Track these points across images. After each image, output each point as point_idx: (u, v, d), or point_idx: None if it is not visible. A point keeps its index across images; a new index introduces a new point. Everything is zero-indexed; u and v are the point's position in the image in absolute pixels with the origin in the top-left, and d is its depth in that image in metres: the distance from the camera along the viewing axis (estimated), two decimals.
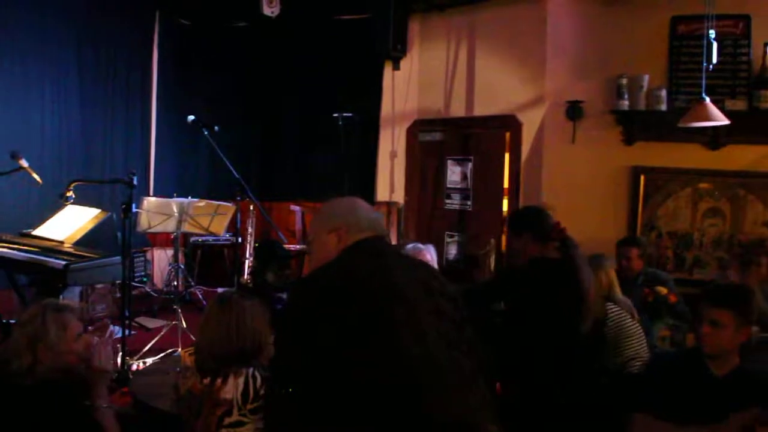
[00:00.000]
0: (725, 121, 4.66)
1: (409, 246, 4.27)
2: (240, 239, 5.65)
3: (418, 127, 6.59)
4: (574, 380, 3.35)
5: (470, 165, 6.33)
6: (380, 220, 2.26)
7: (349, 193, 5.74)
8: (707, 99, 4.63)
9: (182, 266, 6.73)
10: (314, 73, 7.24)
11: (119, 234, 4.99)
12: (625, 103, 5.62)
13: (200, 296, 6.70)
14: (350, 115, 6.43)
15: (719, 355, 2.76)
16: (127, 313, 4.49)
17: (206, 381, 2.41)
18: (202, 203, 6.11)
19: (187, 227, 6.11)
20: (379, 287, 1.92)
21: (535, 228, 3.51)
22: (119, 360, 4.14)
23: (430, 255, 4.18)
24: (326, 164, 7.06)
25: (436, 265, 4.21)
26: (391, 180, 6.67)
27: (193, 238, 7.14)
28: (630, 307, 4.01)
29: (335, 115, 6.42)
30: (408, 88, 6.58)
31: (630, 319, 3.82)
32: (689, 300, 4.82)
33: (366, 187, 6.64)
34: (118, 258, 4.47)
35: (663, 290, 4.88)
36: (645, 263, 5.26)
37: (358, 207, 2.22)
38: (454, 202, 6.45)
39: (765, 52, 5.43)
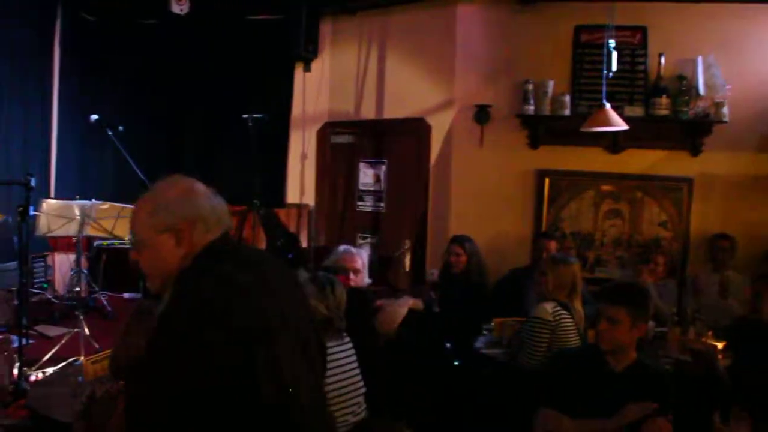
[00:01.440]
0: (624, 127, 4.83)
1: (341, 249, 4.18)
2: None
3: (329, 129, 6.57)
4: None
5: (383, 167, 6.36)
6: (225, 207, 1.76)
7: (259, 195, 5.63)
8: (608, 105, 4.80)
9: (85, 271, 6.44)
10: (224, 73, 7.11)
11: (15, 238, 4.75)
12: (531, 108, 5.75)
13: (105, 302, 6.44)
14: (261, 116, 6.32)
15: (617, 350, 2.87)
16: (24, 322, 4.26)
17: (122, 383, 2.41)
18: (106, 206, 5.88)
19: (89, 231, 5.86)
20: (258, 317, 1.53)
21: None
22: (16, 371, 3.93)
23: (362, 260, 4.14)
24: (235, 165, 6.93)
25: (366, 271, 4.19)
26: (301, 182, 6.62)
27: (97, 242, 6.86)
28: None
29: (245, 116, 6.31)
30: (319, 90, 6.56)
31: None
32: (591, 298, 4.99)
33: (276, 189, 6.56)
34: (14, 263, 4.25)
35: None
36: None
37: (197, 193, 1.71)
38: (366, 204, 6.46)
39: (660, 62, 5.68)
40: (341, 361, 2.94)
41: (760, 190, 5.83)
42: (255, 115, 6.25)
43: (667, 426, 2.67)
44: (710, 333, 4.20)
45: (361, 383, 3.00)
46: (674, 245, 5.85)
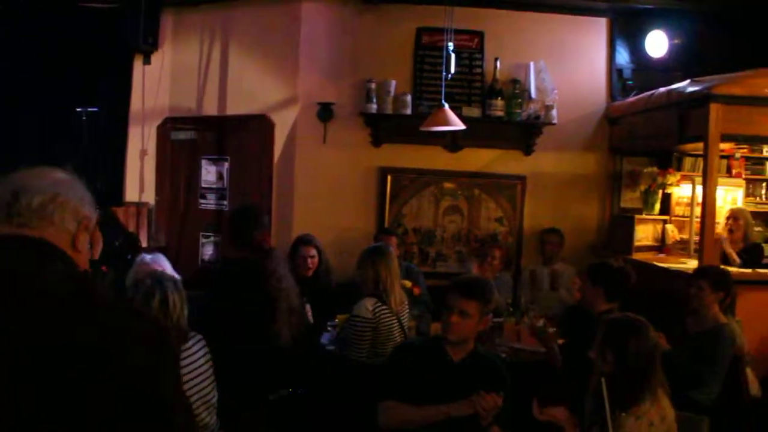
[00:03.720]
0: (462, 126, 4.98)
1: (148, 258, 3.72)
2: None
3: (169, 125, 6.32)
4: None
5: (226, 164, 6.21)
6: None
7: (96, 193, 5.29)
8: (446, 105, 4.93)
9: None
10: (56, 63, 6.65)
11: None
12: (374, 107, 5.82)
13: None
14: (96, 109, 6.02)
15: (461, 342, 2.94)
16: None
17: None
18: None
19: None
20: None
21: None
22: None
23: (159, 266, 3.91)
24: (68, 161, 6.49)
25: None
26: (141, 179, 6.32)
27: None
28: None
29: (79, 109, 5.98)
30: (159, 84, 6.29)
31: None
32: (434, 292, 5.13)
33: (114, 187, 6.23)
34: None
35: (407, 283, 5.12)
36: (402, 256, 5.58)
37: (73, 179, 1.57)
38: (209, 202, 6.27)
39: (495, 66, 5.94)
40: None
41: (585, 187, 6.25)
42: (89, 109, 5.95)
43: (497, 399, 2.75)
44: (543, 322, 4.42)
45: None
46: (509, 240, 6.13)
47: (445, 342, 2.96)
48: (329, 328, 4.53)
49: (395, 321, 3.91)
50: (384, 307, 3.83)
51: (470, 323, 2.91)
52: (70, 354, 1.19)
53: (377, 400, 2.95)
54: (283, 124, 5.98)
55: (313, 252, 4.93)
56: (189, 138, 6.29)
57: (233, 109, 6.13)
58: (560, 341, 4.03)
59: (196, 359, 2.85)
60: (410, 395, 2.86)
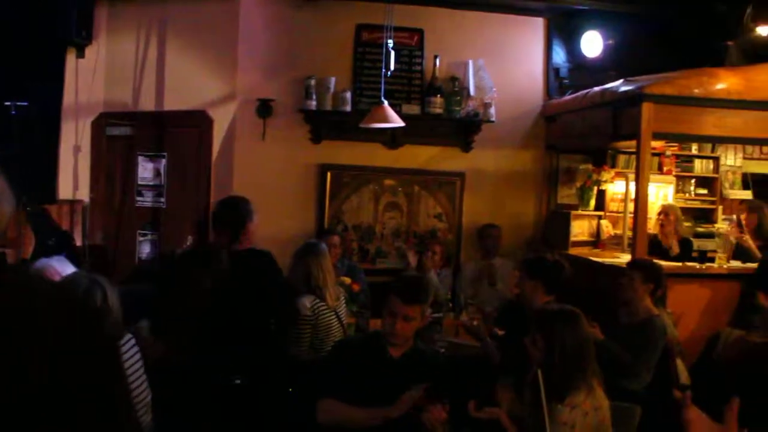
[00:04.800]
0: (401, 124, 5.02)
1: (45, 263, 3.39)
2: None
3: (104, 121, 6.18)
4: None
5: (163, 161, 6.11)
6: None
7: (27, 191, 5.17)
8: (386, 102, 4.94)
9: None
10: None
11: None
12: (313, 104, 5.80)
13: None
14: (26, 104, 5.83)
15: (403, 342, 2.97)
16: None
17: None
18: None
19: None
20: None
21: None
22: None
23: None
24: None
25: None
26: (75, 176, 6.16)
27: None
28: None
29: (8, 103, 5.78)
30: (93, 79, 6.13)
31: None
32: (374, 288, 5.16)
33: (46, 184, 6.05)
34: None
35: (347, 280, 5.15)
36: (342, 253, 5.60)
37: None
38: (146, 200, 6.16)
39: (435, 64, 5.99)
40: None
41: (523, 183, 6.37)
42: (18, 103, 5.77)
43: (442, 413, 2.76)
44: (482, 316, 4.49)
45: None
46: (449, 236, 6.20)
47: (384, 339, 2.98)
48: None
49: (334, 317, 3.94)
50: (322, 304, 3.86)
51: (414, 324, 2.95)
52: None
53: (316, 398, 2.96)
54: (221, 120, 5.91)
55: None
56: (125, 134, 6.15)
57: (171, 104, 6.03)
58: (500, 332, 4.12)
59: (130, 356, 2.83)
60: (350, 393, 2.87)
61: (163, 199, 6.11)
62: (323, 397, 2.94)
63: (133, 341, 2.90)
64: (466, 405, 2.83)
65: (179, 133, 6.04)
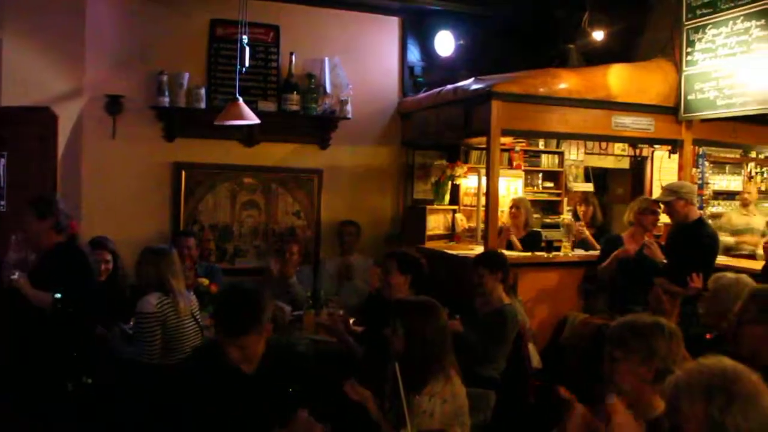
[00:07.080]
0: (256, 121, 4.98)
1: None
2: None
3: None
4: None
5: (3, 161, 5.73)
6: None
7: None
8: (240, 99, 4.89)
9: None
10: None
11: None
12: (166, 100, 5.67)
13: None
14: None
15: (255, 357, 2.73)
16: None
17: None
18: None
19: None
20: None
21: None
22: None
23: None
24: None
25: None
26: None
27: None
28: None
29: None
30: None
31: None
32: None
33: None
34: None
35: (205, 281, 5.09)
36: (199, 255, 5.51)
37: None
38: None
39: (291, 61, 6.00)
40: None
41: (380, 179, 6.52)
42: None
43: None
44: (342, 312, 4.58)
45: None
46: (308, 233, 6.25)
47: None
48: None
49: (189, 319, 3.87)
50: (168, 300, 3.77)
51: (256, 347, 2.70)
52: None
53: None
54: (67, 117, 5.59)
55: (108, 257, 4.69)
56: None
57: (10, 99, 5.63)
58: (358, 329, 4.22)
59: None
60: (216, 425, 2.61)
61: (2, 202, 5.74)
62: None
63: None
64: (330, 401, 2.84)
65: (20, 130, 5.68)
